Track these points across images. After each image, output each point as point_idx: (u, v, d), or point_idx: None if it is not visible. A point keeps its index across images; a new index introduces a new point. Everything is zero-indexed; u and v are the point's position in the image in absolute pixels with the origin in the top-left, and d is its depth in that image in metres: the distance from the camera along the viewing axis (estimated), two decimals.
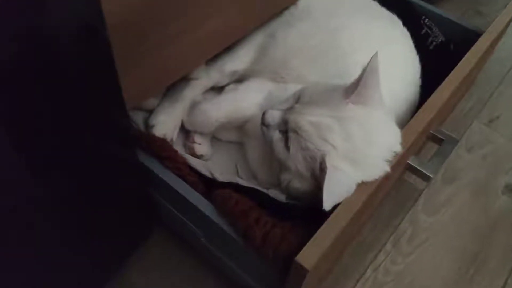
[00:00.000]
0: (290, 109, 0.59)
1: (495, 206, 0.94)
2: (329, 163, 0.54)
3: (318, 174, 0.56)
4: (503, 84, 1.19)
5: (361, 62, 0.66)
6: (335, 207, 0.53)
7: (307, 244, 0.50)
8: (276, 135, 0.60)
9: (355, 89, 0.56)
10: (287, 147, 0.58)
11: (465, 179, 0.97)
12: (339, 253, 0.67)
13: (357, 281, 0.80)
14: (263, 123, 0.60)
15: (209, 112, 0.72)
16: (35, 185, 0.48)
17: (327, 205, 0.51)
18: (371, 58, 0.55)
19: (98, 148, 0.54)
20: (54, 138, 0.46)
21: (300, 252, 0.49)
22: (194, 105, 0.74)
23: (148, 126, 0.72)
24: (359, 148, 0.56)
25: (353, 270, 0.81)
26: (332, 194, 0.51)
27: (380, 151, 0.57)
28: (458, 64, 0.72)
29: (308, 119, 0.56)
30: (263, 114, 0.60)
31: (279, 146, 0.59)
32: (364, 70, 0.55)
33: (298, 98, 0.60)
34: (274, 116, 0.60)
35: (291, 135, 0.57)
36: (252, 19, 0.72)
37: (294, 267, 0.49)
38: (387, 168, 0.57)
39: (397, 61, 0.72)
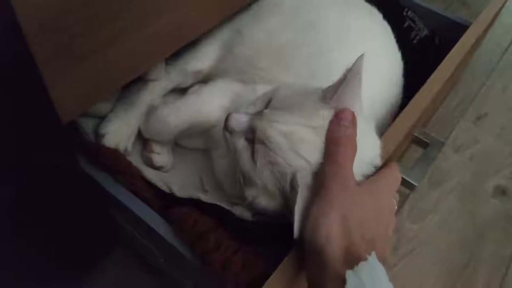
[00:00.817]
0: (258, 114, 0.51)
1: (484, 211, 0.88)
2: (300, 181, 0.46)
3: (288, 193, 0.48)
4: (490, 79, 1.13)
5: (336, 61, 0.59)
6: None
7: (270, 278, 0.42)
8: (241, 144, 0.51)
9: (334, 94, 0.48)
10: (253, 159, 0.50)
11: (452, 182, 0.92)
12: None
13: None
14: (226, 128, 0.52)
15: (167, 117, 0.64)
16: None
17: (297, 232, 0.44)
18: (356, 60, 0.47)
19: (37, 166, 0.48)
20: None
21: (264, 286, 0.42)
22: (151, 110, 0.67)
23: (98, 135, 0.64)
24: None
25: None
26: (297, 218, 0.44)
27: (359, 166, 0.49)
28: (443, 61, 0.65)
29: (279, 129, 0.48)
30: (226, 117, 0.52)
31: (244, 156, 0.51)
32: (346, 73, 0.48)
33: (268, 101, 0.52)
34: (239, 121, 0.51)
35: (258, 146, 0.49)
36: (215, 12, 0.64)
37: None
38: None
39: (377, 60, 0.64)
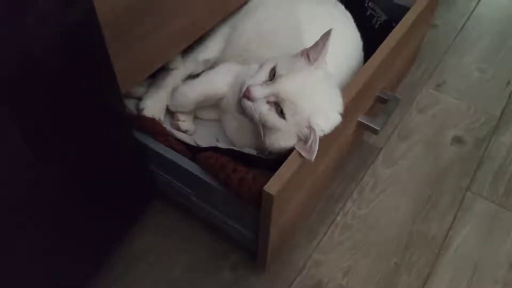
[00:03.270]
0: (273, 82, 0.70)
1: (445, 156, 1.09)
2: (314, 123, 0.68)
3: (304, 132, 0.69)
4: (448, 53, 1.35)
5: (307, 40, 0.82)
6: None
7: (271, 178, 0.64)
8: (265, 107, 0.70)
9: (317, 56, 0.70)
10: (281, 115, 0.69)
11: (417, 135, 1.13)
12: (307, 193, 0.82)
13: (329, 226, 0.95)
14: (248, 98, 0.69)
15: (187, 93, 0.87)
16: (50, 159, 0.58)
17: (314, 155, 0.65)
18: (328, 30, 0.70)
19: (100, 128, 0.67)
20: (60, 124, 0.57)
21: (266, 184, 0.64)
22: (175, 90, 0.89)
23: (138, 109, 0.87)
24: (327, 105, 0.71)
25: (325, 217, 0.96)
26: (316, 147, 0.66)
27: (337, 105, 0.71)
28: (388, 36, 0.88)
29: (295, 88, 0.68)
30: (246, 90, 0.69)
31: (271, 115, 0.70)
32: (321, 40, 0.70)
33: (270, 71, 0.72)
34: (259, 90, 0.69)
35: (287, 103, 0.68)
36: (217, 14, 0.87)
37: (263, 196, 0.64)
38: (340, 118, 0.72)
39: (340, 37, 0.86)
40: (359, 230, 0.95)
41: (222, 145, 0.80)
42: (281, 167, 0.66)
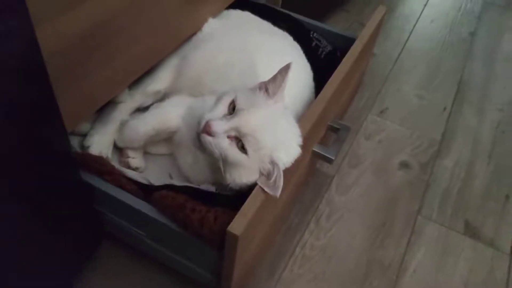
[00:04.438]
0: (233, 116, 0.68)
1: (394, 181, 1.12)
2: (277, 158, 0.66)
3: (266, 167, 0.67)
4: (387, 81, 1.41)
5: (261, 74, 0.81)
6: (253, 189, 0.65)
7: (235, 218, 0.61)
8: (226, 142, 0.67)
9: (276, 90, 0.69)
10: (242, 150, 0.67)
11: (366, 162, 1.15)
12: (269, 227, 0.79)
13: (289, 259, 0.92)
14: (209, 133, 0.66)
15: (137, 127, 0.82)
16: None
17: (279, 191, 0.63)
18: (287, 64, 0.69)
19: (42, 169, 0.61)
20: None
21: (230, 224, 0.60)
22: (124, 124, 0.84)
23: (84, 147, 0.80)
24: (288, 138, 0.70)
25: (285, 250, 0.94)
26: (281, 182, 0.63)
27: (296, 137, 0.70)
28: (338, 67, 0.89)
29: (256, 124, 0.66)
30: (206, 125, 0.66)
31: (232, 151, 0.67)
32: (280, 74, 0.69)
33: (229, 105, 0.69)
34: (220, 125, 0.66)
35: (248, 138, 0.66)
36: (165, 46, 0.84)
37: (227, 237, 0.60)
38: (300, 150, 0.70)
39: (293, 69, 0.86)
40: (319, 261, 0.93)
41: (176, 182, 0.76)
42: (245, 205, 0.62)
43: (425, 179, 1.13)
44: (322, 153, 0.87)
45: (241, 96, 0.69)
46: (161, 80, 0.88)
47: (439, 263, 0.97)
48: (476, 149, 1.23)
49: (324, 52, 1.13)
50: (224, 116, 0.68)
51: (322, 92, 0.83)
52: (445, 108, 1.35)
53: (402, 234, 1.01)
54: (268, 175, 0.66)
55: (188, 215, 0.66)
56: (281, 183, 0.63)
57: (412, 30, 1.65)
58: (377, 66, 1.46)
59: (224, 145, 0.67)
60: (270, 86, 0.69)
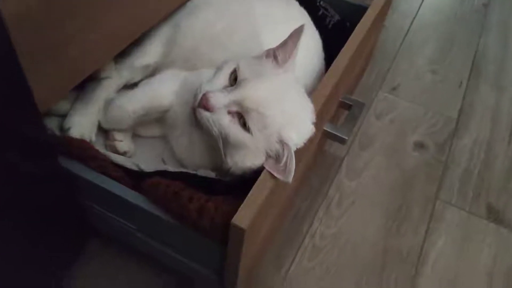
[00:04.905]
0: (236, 88, 0.57)
1: (409, 163, 1.02)
2: (287, 137, 0.56)
3: (274, 148, 0.57)
4: (398, 56, 1.31)
5: (264, 42, 0.70)
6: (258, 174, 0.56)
7: (240, 207, 0.51)
8: (227, 118, 0.57)
9: (287, 58, 0.59)
10: (245, 128, 0.57)
11: (378, 143, 1.06)
12: (275, 217, 0.70)
13: (298, 250, 0.84)
14: (206, 107, 0.56)
15: (124, 105, 0.71)
16: None
17: (291, 176, 0.53)
18: (299, 27, 0.59)
19: (11, 158, 0.52)
20: None
21: (235, 215, 0.51)
22: (109, 103, 0.73)
23: (63, 129, 0.70)
24: (299, 114, 0.60)
25: (292, 240, 0.85)
26: (293, 166, 0.54)
27: (309, 113, 0.60)
28: (350, 36, 0.79)
29: (262, 96, 0.56)
30: (203, 97, 0.56)
31: (234, 128, 0.57)
32: (291, 38, 0.59)
33: (230, 75, 0.59)
34: (220, 98, 0.56)
35: (253, 114, 0.56)
36: (155, 12, 0.73)
37: (232, 230, 0.51)
38: (313, 129, 0.61)
39: (302, 37, 0.76)
40: (330, 252, 0.84)
41: (170, 167, 0.66)
42: (251, 192, 0.53)
43: (443, 160, 1.04)
44: (334, 132, 0.77)
45: (245, 64, 0.59)
46: (150, 52, 0.77)
47: (460, 252, 0.88)
48: (496, 127, 1.14)
49: (332, 22, 1.03)
50: (225, 88, 0.58)
51: (334, 63, 0.73)
52: (460, 84, 1.25)
53: (420, 220, 0.92)
54: (276, 158, 0.57)
55: (185, 204, 0.57)
56: (293, 166, 0.54)
57: (422, 1, 1.54)
58: (386, 40, 1.35)
59: (224, 122, 0.57)
60: (280, 53, 0.59)
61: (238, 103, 0.57)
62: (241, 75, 0.58)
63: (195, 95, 0.58)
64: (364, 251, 0.85)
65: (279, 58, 0.59)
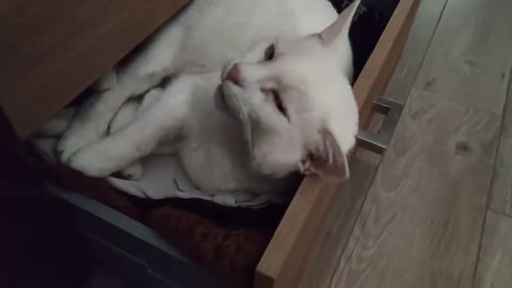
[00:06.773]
0: (272, 61, 0.47)
1: (452, 169, 0.91)
2: (332, 126, 0.45)
3: (313, 140, 0.47)
4: (430, 47, 1.18)
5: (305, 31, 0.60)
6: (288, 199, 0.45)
7: (267, 248, 0.41)
8: (259, 96, 0.47)
9: (333, 36, 0.50)
10: (281, 111, 0.47)
11: (416, 146, 0.94)
12: (306, 250, 0.60)
13: (332, 277, 0.73)
14: (235, 80, 0.46)
15: (142, 129, 0.61)
16: None
17: (347, 171, 0.44)
18: (350, 6, 0.51)
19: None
20: None
21: (260, 261, 0.41)
22: (117, 130, 0.64)
23: (56, 154, 0.60)
24: (346, 114, 0.50)
25: (325, 265, 0.74)
26: (344, 158, 0.44)
27: (354, 122, 0.51)
28: (386, 27, 0.68)
29: (305, 72, 0.46)
30: (233, 69, 0.46)
31: (268, 110, 0.47)
32: (342, 17, 0.51)
33: (270, 51, 0.50)
34: (254, 71, 0.46)
35: (292, 93, 0.46)
36: (160, 12, 0.63)
37: (257, 278, 0.41)
38: (354, 141, 0.50)
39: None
40: (369, 278, 0.74)
41: (183, 194, 0.57)
42: (280, 228, 0.43)
43: (491, 164, 0.92)
44: (371, 141, 0.66)
45: (284, 40, 0.49)
46: (156, 58, 0.67)
47: None
48: None
49: (358, 14, 0.92)
50: (260, 61, 0.48)
51: (369, 62, 0.62)
52: (503, 76, 1.12)
53: (470, 235, 0.81)
54: (318, 155, 0.46)
55: (199, 243, 0.47)
56: (344, 159, 0.43)
57: None
58: (417, 30, 1.23)
59: (256, 101, 0.46)
60: (325, 32, 0.50)
61: (275, 79, 0.46)
62: (279, 50, 0.48)
63: (224, 67, 0.47)
64: (408, 276, 0.75)
65: (324, 37, 0.49)
